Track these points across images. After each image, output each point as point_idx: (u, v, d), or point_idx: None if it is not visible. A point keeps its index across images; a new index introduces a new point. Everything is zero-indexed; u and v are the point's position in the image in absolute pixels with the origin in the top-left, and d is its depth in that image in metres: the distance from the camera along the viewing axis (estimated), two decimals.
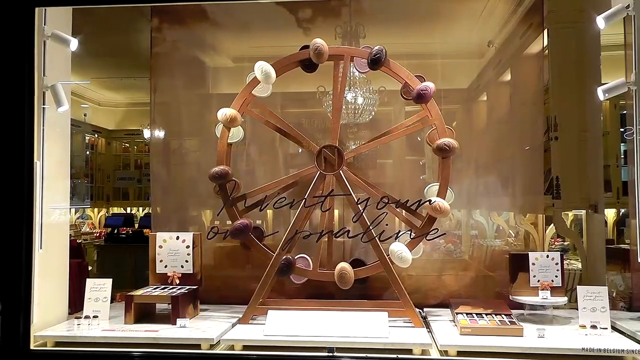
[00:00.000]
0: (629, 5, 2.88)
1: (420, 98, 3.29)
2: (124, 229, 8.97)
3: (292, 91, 3.98)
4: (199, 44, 4.27)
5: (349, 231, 3.31)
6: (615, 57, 3.56)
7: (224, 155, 3.43)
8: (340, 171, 3.34)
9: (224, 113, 3.36)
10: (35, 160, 3.08)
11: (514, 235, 4.28)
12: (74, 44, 3.34)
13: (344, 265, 3.27)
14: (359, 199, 3.29)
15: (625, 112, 3.96)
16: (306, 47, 3.42)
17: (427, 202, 3.26)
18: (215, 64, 4.40)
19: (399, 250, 3.21)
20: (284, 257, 3.31)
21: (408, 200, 3.28)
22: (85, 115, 9.81)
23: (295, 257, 3.38)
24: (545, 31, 3.93)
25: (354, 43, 4.07)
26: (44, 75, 3.16)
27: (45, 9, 3.16)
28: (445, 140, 3.24)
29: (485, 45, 4.18)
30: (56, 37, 3.22)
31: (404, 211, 3.41)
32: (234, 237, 3.33)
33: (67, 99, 3.32)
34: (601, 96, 3.11)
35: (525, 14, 3.98)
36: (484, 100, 4.43)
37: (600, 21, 3.01)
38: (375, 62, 3.32)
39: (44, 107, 3.17)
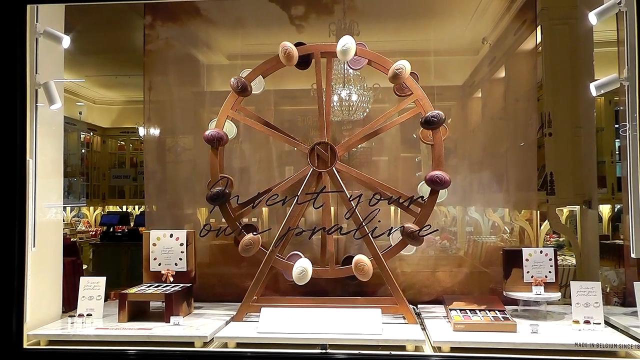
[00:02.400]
0: (620, 1, 2.87)
1: (428, 123, 3.26)
2: (119, 227, 8.96)
3: (285, 88, 3.97)
4: (193, 42, 4.26)
5: (341, 228, 3.31)
6: (608, 54, 3.56)
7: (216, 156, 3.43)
8: (333, 168, 3.33)
9: (284, 47, 3.30)
10: (27, 158, 3.06)
11: (509, 231, 4.28)
12: (66, 41, 3.33)
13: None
14: (352, 195, 3.28)
15: (619, 108, 3.96)
16: (300, 44, 3.42)
17: (419, 199, 3.27)
18: (209, 62, 4.39)
19: (301, 267, 3.20)
20: (218, 188, 3.32)
21: (400, 197, 3.28)
22: (80, 113, 9.78)
23: (289, 255, 3.38)
24: (539, 28, 3.93)
25: None
26: (36, 73, 3.14)
27: (37, 6, 3.14)
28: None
29: (479, 42, 4.18)
30: (48, 35, 3.21)
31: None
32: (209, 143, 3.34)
33: (60, 97, 3.31)
34: (594, 92, 3.12)
35: (519, 10, 3.98)
36: (478, 97, 4.43)
37: (592, 17, 3.02)
38: (429, 124, 3.26)
39: (36, 105, 3.15)
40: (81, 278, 3.43)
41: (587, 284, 3.13)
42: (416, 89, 3.32)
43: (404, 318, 3.24)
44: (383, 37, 4.23)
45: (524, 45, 3.99)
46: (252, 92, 3.47)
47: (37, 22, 3.15)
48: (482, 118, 4.39)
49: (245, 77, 3.40)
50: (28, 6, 3.08)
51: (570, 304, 3.14)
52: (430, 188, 3.27)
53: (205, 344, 2.98)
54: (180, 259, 3.56)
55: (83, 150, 9.89)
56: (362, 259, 3.20)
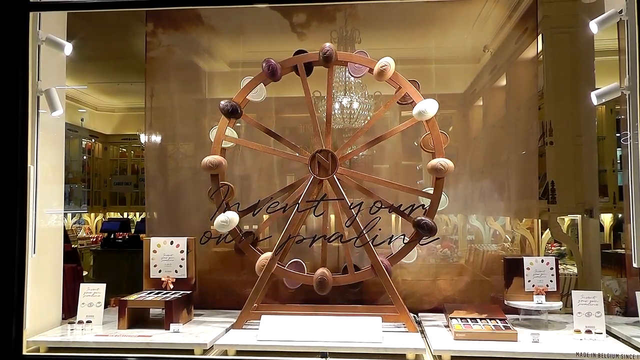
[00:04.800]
0: (622, 10, 2.88)
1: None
2: (120, 234, 8.96)
3: (286, 96, 3.97)
4: (195, 49, 4.27)
5: (342, 236, 3.30)
6: (609, 62, 3.56)
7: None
8: (334, 176, 3.33)
9: (382, 64, 3.28)
10: (29, 164, 3.06)
11: (510, 240, 4.28)
12: (68, 48, 3.34)
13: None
14: (352, 203, 3.28)
15: (621, 117, 3.96)
16: (301, 51, 3.42)
17: (421, 207, 3.26)
18: (210, 69, 4.40)
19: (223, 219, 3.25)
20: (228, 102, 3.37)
21: (401, 204, 3.27)
22: (82, 120, 9.81)
23: (289, 262, 3.37)
24: (540, 36, 3.94)
25: (349, 48, 4.08)
26: (38, 80, 3.15)
27: (39, 14, 3.15)
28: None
29: (480, 50, 4.19)
30: (50, 42, 3.22)
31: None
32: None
33: (62, 104, 3.32)
34: (595, 101, 3.11)
35: (520, 19, 3.99)
36: (479, 105, 4.44)
37: (593, 26, 3.01)
38: (419, 227, 3.23)
39: (38, 112, 3.16)
40: (81, 285, 3.42)
41: (588, 293, 3.12)
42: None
43: (405, 326, 3.22)
44: (384, 45, 4.24)
45: (525, 54, 4.00)
46: (254, 99, 3.47)
47: (39, 29, 3.16)
48: (483, 126, 4.39)
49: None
50: (30, 13, 3.09)
51: (572, 313, 3.13)
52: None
53: (205, 352, 2.97)
54: (181, 266, 3.55)
55: (84, 157, 9.91)
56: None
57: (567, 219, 5.80)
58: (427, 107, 3.23)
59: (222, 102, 3.41)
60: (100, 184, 10.35)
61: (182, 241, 3.58)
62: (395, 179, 4.09)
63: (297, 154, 3.44)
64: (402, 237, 3.31)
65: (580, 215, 4.14)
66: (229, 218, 3.26)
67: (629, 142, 2.92)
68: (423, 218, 3.24)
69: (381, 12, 4.13)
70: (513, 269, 3.42)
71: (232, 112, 3.39)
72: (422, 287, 3.85)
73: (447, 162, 3.24)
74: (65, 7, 3.44)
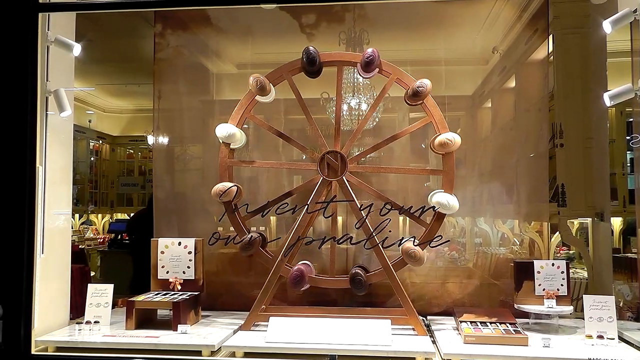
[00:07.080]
0: (636, 9, 2.85)
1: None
2: (127, 235, 8.96)
3: (294, 97, 3.95)
4: (203, 50, 4.26)
5: (351, 238, 3.28)
6: (621, 64, 3.52)
7: (225, 166, 3.41)
8: (344, 177, 3.31)
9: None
10: (37, 165, 3.07)
11: (518, 243, 4.24)
12: (77, 49, 3.34)
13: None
14: (362, 205, 3.25)
15: (631, 119, 3.92)
16: None
17: (431, 209, 3.24)
18: (218, 70, 4.39)
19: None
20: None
21: (412, 206, 3.24)
22: (89, 121, 9.85)
23: (298, 264, 3.35)
24: (551, 37, 3.90)
25: (358, 49, 4.06)
26: (47, 81, 3.16)
27: (48, 15, 3.16)
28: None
29: (489, 51, 4.16)
30: (59, 43, 3.22)
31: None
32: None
33: (70, 105, 3.32)
34: (607, 102, 3.06)
35: (530, 19, 3.96)
36: (488, 107, 4.41)
37: (606, 26, 2.97)
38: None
39: (47, 113, 3.16)
40: (89, 285, 3.42)
41: (600, 297, 3.07)
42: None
43: (414, 329, 3.20)
44: (393, 46, 4.22)
45: (535, 55, 3.96)
46: (264, 100, 3.45)
47: (48, 30, 3.17)
48: (492, 128, 4.36)
49: None
50: (40, 14, 3.10)
51: (582, 318, 3.09)
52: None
53: (213, 353, 2.96)
54: (189, 267, 3.54)
55: (92, 158, 9.95)
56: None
57: (576, 223, 5.75)
58: (450, 201, 3.19)
59: (308, 48, 3.29)
60: (107, 185, 10.39)
61: (189, 242, 3.57)
62: (403, 181, 4.10)
63: (304, 157, 3.41)
64: (412, 238, 3.28)
65: (590, 219, 4.10)
66: (230, 132, 3.30)
67: None
68: (359, 273, 3.23)
69: (390, 13, 4.11)
70: (523, 272, 3.38)
71: (311, 62, 3.31)
72: (430, 290, 3.82)
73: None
74: (74, 8, 3.44)
